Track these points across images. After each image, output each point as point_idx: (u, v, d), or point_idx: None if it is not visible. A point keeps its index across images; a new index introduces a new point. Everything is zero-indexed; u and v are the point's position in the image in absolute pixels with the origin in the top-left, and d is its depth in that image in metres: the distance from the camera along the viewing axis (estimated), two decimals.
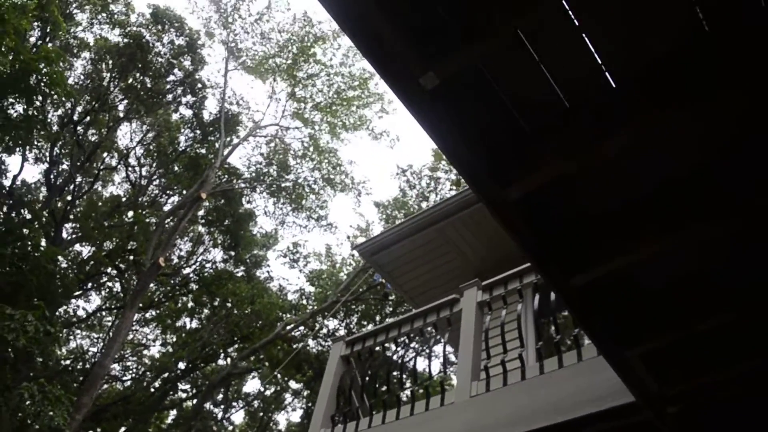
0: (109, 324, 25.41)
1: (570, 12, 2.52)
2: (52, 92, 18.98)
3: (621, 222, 2.92)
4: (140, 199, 25.45)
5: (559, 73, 2.62)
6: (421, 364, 19.74)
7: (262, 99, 27.54)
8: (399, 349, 7.01)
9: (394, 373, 7.12)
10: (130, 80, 23.25)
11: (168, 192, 26.43)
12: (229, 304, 25.09)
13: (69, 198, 22.82)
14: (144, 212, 24.97)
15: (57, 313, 20.03)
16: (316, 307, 25.23)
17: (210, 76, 26.04)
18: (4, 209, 20.56)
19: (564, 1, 2.46)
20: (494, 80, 2.60)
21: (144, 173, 25.88)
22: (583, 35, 2.60)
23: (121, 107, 24.12)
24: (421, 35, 2.42)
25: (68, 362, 25.03)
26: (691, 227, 2.78)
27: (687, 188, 2.81)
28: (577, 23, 2.56)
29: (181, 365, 25.25)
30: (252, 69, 27.18)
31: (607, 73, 2.65)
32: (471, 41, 2.37)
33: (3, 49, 17.14)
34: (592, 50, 2.61)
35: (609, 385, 4.06)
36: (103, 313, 26.10)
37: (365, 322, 25.73)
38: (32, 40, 19.93)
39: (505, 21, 2.38)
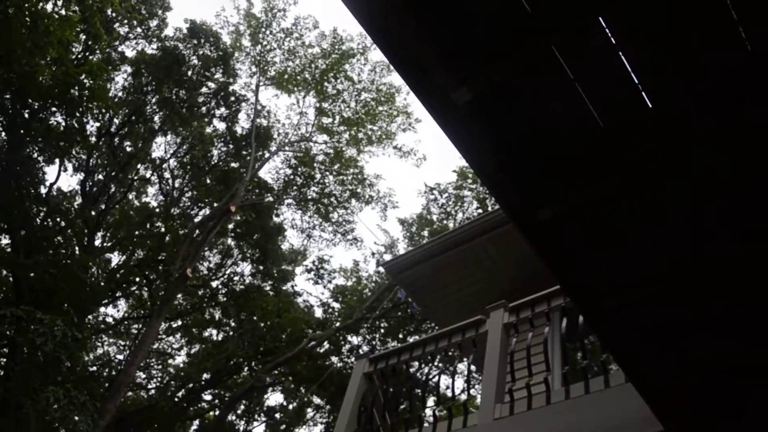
0: (136, 332, 25.67)
1: (607, 29, 2.48)
2: (93, 105, 19.37)
3: (656, 247, 2.85)
4: (172, 211, 25.75)
5: (595, 92, 2.57)
6: (445, 384, 19.56)
7: (290, 113, 27.87)
8: (423, 368, 6.94)
9: (417, 393, 7.05)
10: (166, 93, 23.64)
11: (199, 204, 26.71)
12: (255, 318, 25.17)
13: (102, 207, 23.19)
14: (175, 223, 25.25)
15: (86, 320, 20.27)
16: (340, 324, 25.20)
17: (242, 90, 26.36)
18: (40, 217, 20.95)
19: (601, 18, 2.42)
20: (527, 98, 2.56)
21: (176, 185, 26.21)
22: (620, 54, 2.56)
23: (156, 119, 24.52)
24: (454, 50, 2.40)
25: (95, 369, 25.30)
26: (733, 268, 2.71)
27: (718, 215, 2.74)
28: (614, 41, 2.52)
29: (206, 376, 25.35)
30: (281, 84, 27.50)
31: (644, 93, 2.59)
32: (504, 56, 2.35)
33: (47, 60, 17.57)
34: (629, 69, 2.56)
35: (638, 413, 3.95)
36: (131, 321, 26.38)
37: (389, 340, 25.59)
38: (75, 52, 20.38)
39: (540, 36, 2.35)
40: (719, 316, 3.09)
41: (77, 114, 19.95)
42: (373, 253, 27.74)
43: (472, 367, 6.72)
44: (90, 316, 22.08)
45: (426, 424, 5.86)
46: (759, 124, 2.58)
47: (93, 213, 22.31)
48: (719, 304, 3.07)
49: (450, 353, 6.54)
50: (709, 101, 2.54)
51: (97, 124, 22.35)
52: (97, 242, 23.24)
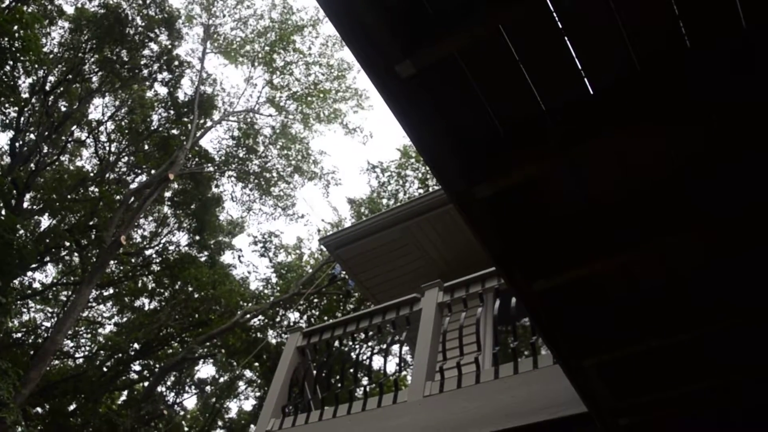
0: (65, 299, 24.91)
1: (554, 14, 2.49)
2: (25, 58, 18.48)
3: (589, 230, 2.90)
4: (107, 175, 24.97)
5: (538, 74, 2.58)
6: (377, 361, 19.73)
7: (238, 83, 27.46)
8: (356, 344, 6.96)
9: (350, 369, 7.07)
10: (106, 52, 22.77)
11: (136, 170, 25.99)
12: (189, 288, 24.76)
13: (33, 168, 22.27)
14: (110, 189, 24.50)
15: (11, 284, 19.52)
16: (275, 298, 25.05)
17: (187, 56, 25.67)
18: None
19: (549, 1, 2.42)
20: (471, 75, 2.55)
21: (113, 149, 25.41)
22: (565, 38, 2.57)
23: (95, 79, 23.62)
24: (401, 21, 2.36)
25: (19, 335, 24.48)
26: (657, 240, 2.77)
27: (654, 200, 2.80)
28: (560, 26, 2.53)
29: (136, 346, 24.85)
30: (229, 53, 26.91)
31: (586, 80, 2.62)
32: (451, 31, 2.33)
33: None
34: (573, 54, 2.58)
35: (563, 394, 4.06)
36: (60, 287, 25.56)
37: (326, 317, 25.60)
38: (6, 1, 19.37)
39: (488, 13, 2.34)
40: (643, 301, 3.18)
41: (7, 67, 19.00)
42: (318, 230, 27.63)
43: (405, 346, 6.77)
44: (16, 281, 21.28)
45: (356, 400, 5.88)
46: (692, 119, 2.65)
47: (23, 173, 21.42)
48: (644, 288, 3.16)
49: (384, 330, 6.57)
50: (649, 95, 2.58)
51: (30, 80, 21.40)
52: (26, 204, 22.38)
